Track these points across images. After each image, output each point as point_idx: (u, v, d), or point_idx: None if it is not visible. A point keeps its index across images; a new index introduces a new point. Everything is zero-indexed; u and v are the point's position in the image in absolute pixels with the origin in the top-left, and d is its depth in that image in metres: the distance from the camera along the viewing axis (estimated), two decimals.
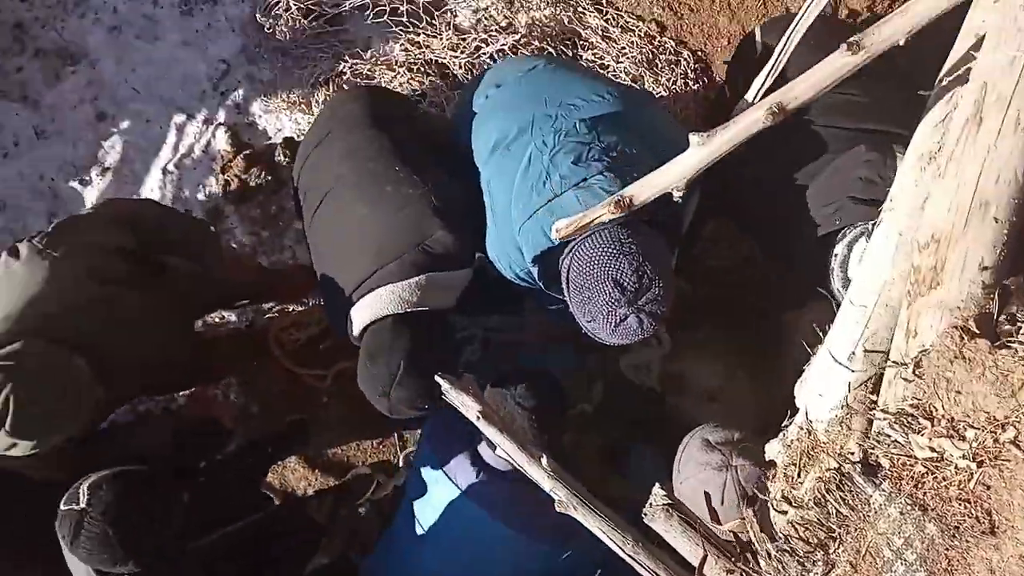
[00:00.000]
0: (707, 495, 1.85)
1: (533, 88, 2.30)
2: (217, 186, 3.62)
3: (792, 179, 2.10)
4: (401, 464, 3.45)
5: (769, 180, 2.17)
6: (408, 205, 2.24)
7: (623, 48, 3.35)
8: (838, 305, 1.95)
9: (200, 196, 3.64)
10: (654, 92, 3.31)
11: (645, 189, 1.60)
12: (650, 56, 3.35)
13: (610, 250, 1.86)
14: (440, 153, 2.52)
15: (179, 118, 3.69)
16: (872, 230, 1.81)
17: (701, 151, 1.56)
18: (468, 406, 1.86)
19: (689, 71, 3.34)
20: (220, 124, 3.65)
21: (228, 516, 2.69)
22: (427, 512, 2.41)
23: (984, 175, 1.42)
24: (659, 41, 3.36)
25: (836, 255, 1.97)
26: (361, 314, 2.24)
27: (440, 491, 2.37)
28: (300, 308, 3.52)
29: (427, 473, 2.42)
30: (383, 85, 3.46)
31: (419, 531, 2.43)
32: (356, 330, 2.27)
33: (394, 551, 2.54)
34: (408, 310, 2.20)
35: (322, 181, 2.43)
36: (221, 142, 3.65)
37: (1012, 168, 1.40)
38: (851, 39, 1.45)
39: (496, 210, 2.21)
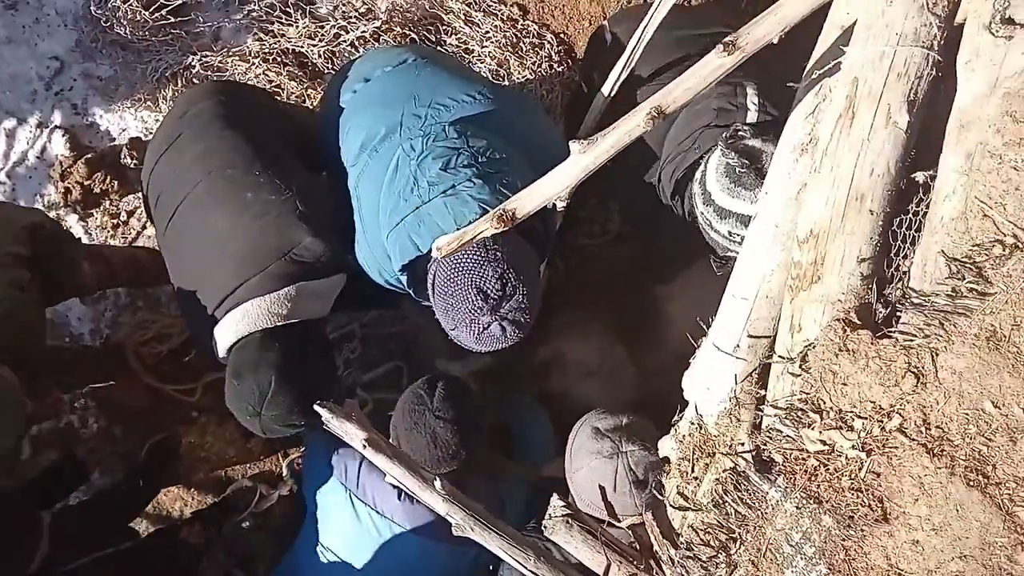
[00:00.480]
0: (602, 488, 1.82)
1: (402, 84, 2.20)
2: (57, 194, 3.34)
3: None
4: (284, 473, 3.29)
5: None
6: (270, 212, 2.10)
7: (487, 32, 3.27)
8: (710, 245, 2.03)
9: (38, 206, 3.32)
10: (519, 75, 3.25)
11: (528, 201, 1.52)
12: (514, 40, 3.28)
13: (475, 257, 1.81)
14: (305, 152, 2.38)
15: (8, 123, 3.37)
16: (725, 144, 1.86)
17: (583, 159, 1.50)
18: (352, 434, 1.74)
19: (553, 53, 3.29)
20: (56, 127, 3.36)
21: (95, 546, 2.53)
22: (338, 538, 2.32)
23: (859, 169, 1.42)
24: (522, 24, 3.30)
25: (695, 179, 2.00)
26: (226, 332, 2.10)
27: (350, 515, 2.28)
28: (160, 319, 3.27)
29: (332, 496, 2.31)
30: (236, 79, 3.24)
31: (329, 558, 2.32)
32: (222, 350, 2.13)
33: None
34: (278, 324, 2.08)
35: (175, 188, 2.25)
36: (58, 146, 3.35)
37: (885, 161, 1.41)
38: (726, 39, 1.42)
39: (364, 215, 2.11)
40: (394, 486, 2.09)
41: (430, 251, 1.88)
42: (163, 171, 2.31)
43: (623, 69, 1.84)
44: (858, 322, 1.41)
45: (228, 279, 2.09)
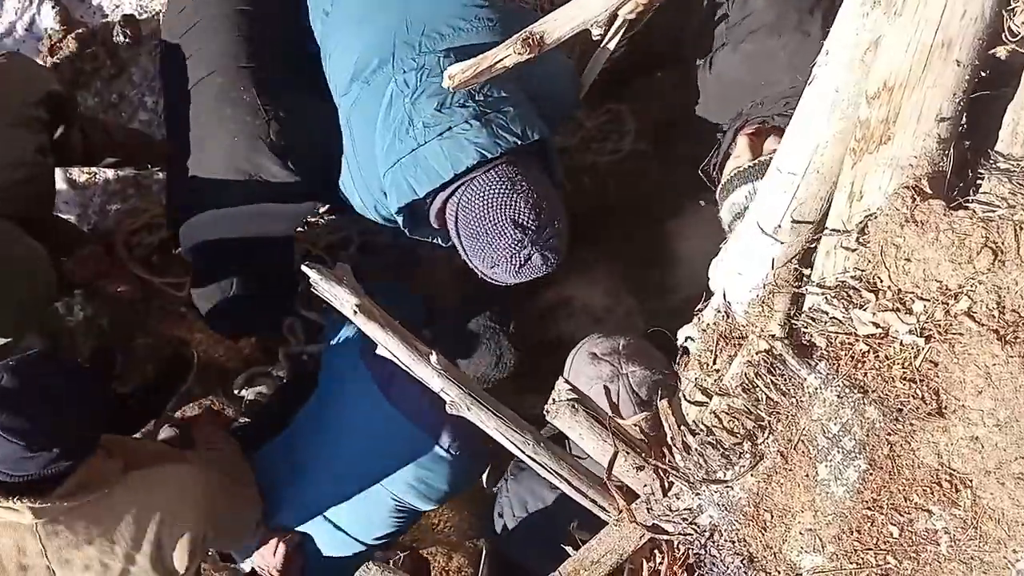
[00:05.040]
0: (612, 403, 1.62)
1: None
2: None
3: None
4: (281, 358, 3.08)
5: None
6: (242, 133, 2.04)
7: None
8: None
9: None
10: None
11: (559, 24, 1.28)
12: None
13: (502, 190, 1.71)
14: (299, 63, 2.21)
15: None
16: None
17: None
18: (343, 299, 1.52)
19: None
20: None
21: None
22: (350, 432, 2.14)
23: (948, 10, 1.18)
24: None
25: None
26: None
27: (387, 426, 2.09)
28: (151, 208, 3.03)
29: (368, 402, 2.11)
30: None
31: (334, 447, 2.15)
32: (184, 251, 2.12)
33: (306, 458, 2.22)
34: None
35: (189, 71, 2.18)
36: (48, 19, 3.07)
37: (980, 3, 1.17)
38: None
39: (358, 148, 1.94)
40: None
41: (428, 194, 1.78)
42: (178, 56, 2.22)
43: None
44: (930, 191, 1.19)
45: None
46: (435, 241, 2.00)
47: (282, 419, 2.31)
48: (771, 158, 1.75)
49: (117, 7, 3.10)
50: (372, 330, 1.56)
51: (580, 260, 2.67)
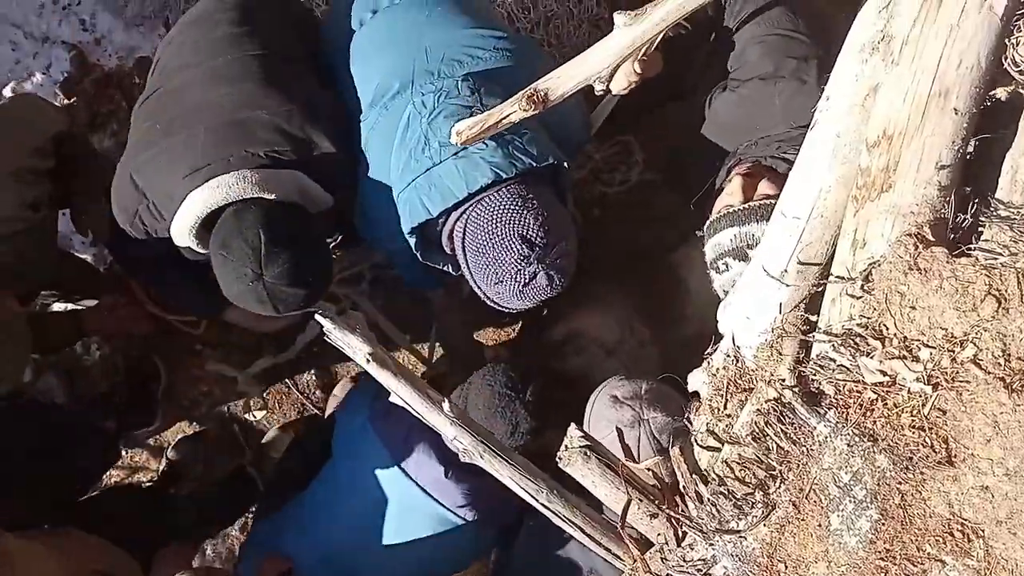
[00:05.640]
0: (625, 446, 1.62)
1: (413, 27, 1.99)
2: None
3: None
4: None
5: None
6: (276, 117, 1.92)
7: None
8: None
9: None
10: (545, 6, 3.00)
11: (563, 81, 1.29)
12: None
13: (513, 206, 1.70)
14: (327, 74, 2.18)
15: (15, 36, 3.12)
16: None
17: (628, 32, 1.26)
18: (356, 348, 1.54)
19: None
20: (63, 43, 3.11)
21: None
22: (362, 499, 2.11)
23: (944, 60, 1.18)
24: None
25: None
26: (196, 201, 1.85)
27: (398, 492, 2.06)
28: None
29: (379, 470, 2.09)
30: None
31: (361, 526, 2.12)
32: (187, 222, 1.87)
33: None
34: (261, 195, 1.85)
35: (194, 54, 2.07)
36: (65, 63, 3.11)
37: (976, 51, 1.18)
38: None
39: (374, 173, 1.95)
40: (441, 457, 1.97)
41: (440, 214, 1.77)
42: (186, 38, 2.13)
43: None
44: (932, 238, 1.19)
45: (224, 146, 1.87)
46: (446, 268, 1.99)
47: (300, 481, 2.30)
48: (761, 204, 1.78)
49: (132, 50, 3.14)
50: (385, 378, 1.57)
51: (591, 292, 2.67)
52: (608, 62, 1.28)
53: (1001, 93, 1.33)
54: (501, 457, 1.49)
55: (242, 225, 1.79)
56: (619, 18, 1.27)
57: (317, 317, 1.60)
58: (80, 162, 2.34)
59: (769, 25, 1.97)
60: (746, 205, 1.81)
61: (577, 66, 1.31)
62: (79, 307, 2.86)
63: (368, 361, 1.55)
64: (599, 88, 1.33)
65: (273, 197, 1.84)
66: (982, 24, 1.17)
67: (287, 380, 3.10)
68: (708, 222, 1.91)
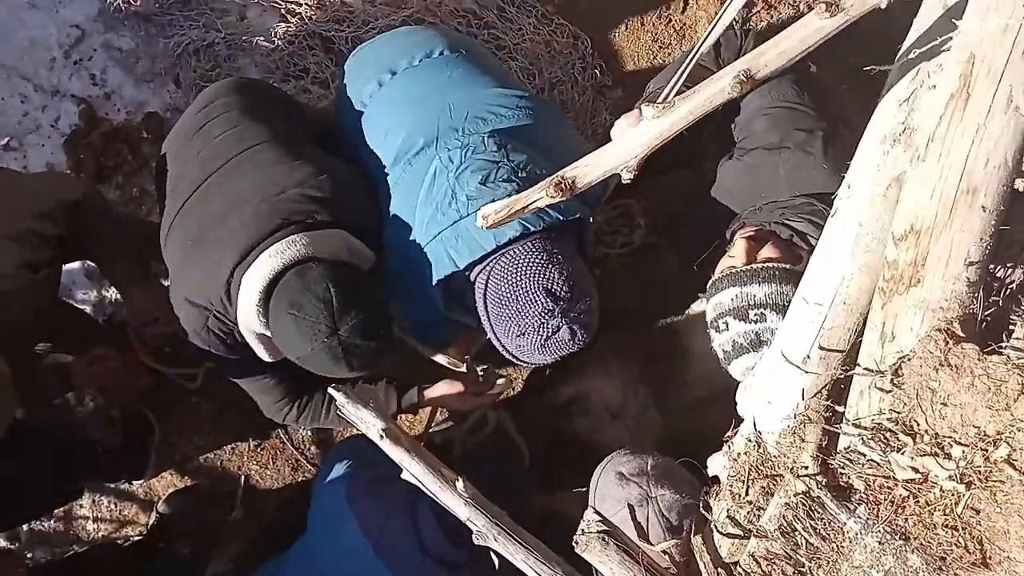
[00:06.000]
0: (638, 526, 1.57)
1: (434, 86, 2.01)
2: (69, 166, 3.07)
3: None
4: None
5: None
6: (321, 174, 1.94)
7: (520, 29, 3.05)
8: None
9: None
10: (550, 74, 3.03)
11: (590, 169, 1.29)
12: (547, 38, 3.07)
13: (539, 259, 1.69)
14: (327, 147, 2.18)
15: (25, 89, 3.11)
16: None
17: (656, 125, 1.26)
18: (369, 423, 1.50)
19: (587, 55, 3.08)
20: (73, 96, 3.10)
21: None
22: None
23: (972, 158, 1.19)
24: (557, 23, 3.08)
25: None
26: (261, 270, 1.81)
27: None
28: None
29: (357, 557, 1.98)
30: (260, 58, 3.01)
31: None
32: (254, 294, 1.82)
33: None
34: (319, 255, 1.83)
35: (203, 165, 2.05)
36: (74, 116, 3.10)
37: (1003, 151, 1.18)
38: None
39: (396, 228, 1.94)
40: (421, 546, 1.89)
41: (466, 267, 1.76)
42: (188, 153, 2.11)
43: (680, 75, 1.59)
44: (962, 334, 1.18)
45: (263, 226, 1.84)
46: (466, 321, 1.96)
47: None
48: (764, 266, 1.78)
49: (141, 105, 3.13)
50: (398, 455, 1.54)
51: (595, 354, 2.65)
52: (636, 152, 1.28)
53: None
54: (516, 540, 1.45)
55: (309, 282, 1.75)
56: (647, 110, 1.27)
57: (330, 390, 1.56)
58: (94, 230, 2.32)
59: (775, 97, 2.00)
60: (748, 267, 1.82)
61: (605, 155, 1.31)
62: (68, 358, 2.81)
63: (382, 438, 1.51)
64: (626, 177, 1.32)
65: (326, 256, 1.82)
66: (1008, 124, 1.18)
67: (282, 435, 3.04)
68: (710, 282, 1.91)
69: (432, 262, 1.82)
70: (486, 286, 1.75)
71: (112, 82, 3.14)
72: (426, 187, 1.86)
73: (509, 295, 1.70)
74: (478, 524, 1.47)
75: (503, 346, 1.81)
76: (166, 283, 3.02)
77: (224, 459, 3.06)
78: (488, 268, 1.75)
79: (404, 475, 1.56)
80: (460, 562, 1.97)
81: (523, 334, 1.72)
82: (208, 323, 1.92)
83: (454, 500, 1.49)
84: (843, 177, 1.83)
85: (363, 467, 2.11)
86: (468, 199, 1.77)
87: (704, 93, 1.23)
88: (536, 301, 1.68)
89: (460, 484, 1.48)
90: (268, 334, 1.87)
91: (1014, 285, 1.23)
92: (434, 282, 1.81)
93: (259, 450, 3.07)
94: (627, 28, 3.15)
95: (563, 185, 1.25)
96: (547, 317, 1.68)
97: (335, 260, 1.83)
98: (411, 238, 1.88)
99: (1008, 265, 1.23)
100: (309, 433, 3.02)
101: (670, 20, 3.12)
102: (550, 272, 1.68)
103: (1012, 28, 1.18)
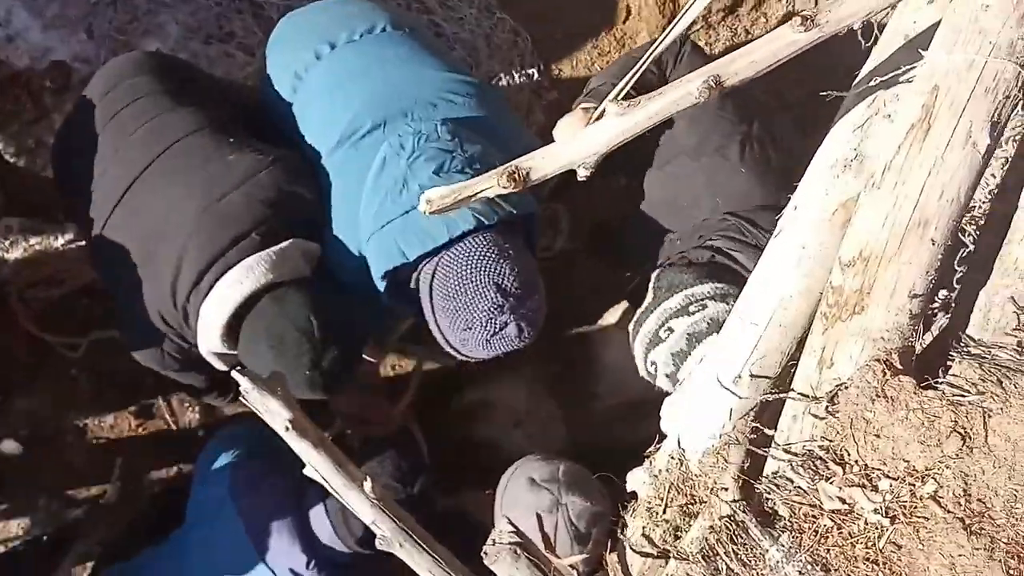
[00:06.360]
0: (545, 537, 1.50)
1: (378, 64, 1.91)
2: None
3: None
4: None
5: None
6: (261, 168, 1.80)
7: (461, 18, 2.97)
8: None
9: None
10: (488, 67, 2.96)
11: (547, 162, 1.20)
12: (488, 31, 2.99)
13: (491, 253, 1.64)
14: (260, 131, 2.02)
15: None
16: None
17: (620, 122, 1.19)
18: (274, 412, 1.37)
19: (527, 53, 3.02)
20: None
21: None
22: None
23: (927, 189, 1.17)
24: (499, 17, 3.01)
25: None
26: (226, 296, 1.72)
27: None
28: (53, 260, 2.78)
29: (234, 551, 1.88)
30: (184, 16, 2.81)
31: None
32: (219, 321, 1.73)
33: None
34: (279, 279, 1.74)
35: (123, 169, 1.85)
36: None
37: (957, 185, 1.16)
38: (804, 14, 1.15)
39: (340, 212, 1.84)
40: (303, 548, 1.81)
41: (416, 260, 1.70)
42: (104, 150, 1.90)
43: (635, 72, 1.52)
44: (900, 366, 1.16)
45: (213, 242, 1.72)
46: (411, 311, 1.88)
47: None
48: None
49: (47, 51, 2.88)
50: (303, 449, 1.41)
51: (505, 361, 2.60)
52: (595, 149, 1.21)
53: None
54: (422, 548, 1.35)
55: (288, 312, 1.70)
56: (611, 107, 1.20)
57: (234, 374, 1.43)
58: None
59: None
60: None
61: (563, 148, 1.23)
62: None
63: (287, 429, 1.38)
64: (583, 174, 1.25)
65: (287, 277, 1.75)
66: (965, 159, 1.16)
67: (166, 415, 2.85)
68: (635, 317, 1.88)
69: (379, 252, 1.74)
70: (432, 277, 1.69)
71: (17, 24, 2.88)
72: (374, 173, 1.76)
73: (458, 288, 1.64)
74: (383, 528, 1.36)
75: (446, 339, 1.75)
76: (57, 243, 2.79)
77: (101, 437, 2.85)
78: (436, 260, 1.69)
79: (307, 471, 1.43)
80: (349, 563, 1.87)
81: (469, 328, 1.66)
82: (164, 349, 1.87)
83: (360, 501, 1.38)
84: (762, 181, 1.82)
85: (252, 458, 1.99)
86: (421, 188, 1.67)
87: (671, 95, 1.18)
88: (486, 296, 1.62)
89: (368, 485, 1.38)
90: (232, 353, 1.80)
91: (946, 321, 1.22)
92: (381, 273, 1.73)
93: (140, 429, 2.87)
94: (568, 32, 3.10)
95: (516, 176, 1.17)
96: (496, 313, 1.63)
97: (301, 279, 1.77)
98: (356, 227, 1.79)
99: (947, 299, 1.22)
100: (196, 415, 2.84)
101: (611, 28, 3.09)
102: (502, 267, 1.63)
103: (977, 64, 1.17)
